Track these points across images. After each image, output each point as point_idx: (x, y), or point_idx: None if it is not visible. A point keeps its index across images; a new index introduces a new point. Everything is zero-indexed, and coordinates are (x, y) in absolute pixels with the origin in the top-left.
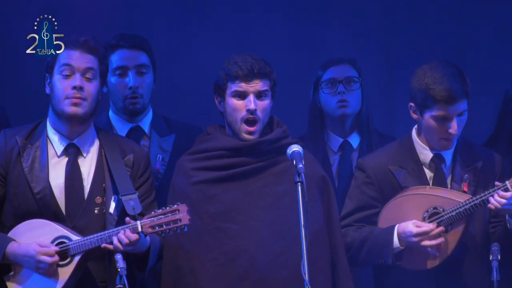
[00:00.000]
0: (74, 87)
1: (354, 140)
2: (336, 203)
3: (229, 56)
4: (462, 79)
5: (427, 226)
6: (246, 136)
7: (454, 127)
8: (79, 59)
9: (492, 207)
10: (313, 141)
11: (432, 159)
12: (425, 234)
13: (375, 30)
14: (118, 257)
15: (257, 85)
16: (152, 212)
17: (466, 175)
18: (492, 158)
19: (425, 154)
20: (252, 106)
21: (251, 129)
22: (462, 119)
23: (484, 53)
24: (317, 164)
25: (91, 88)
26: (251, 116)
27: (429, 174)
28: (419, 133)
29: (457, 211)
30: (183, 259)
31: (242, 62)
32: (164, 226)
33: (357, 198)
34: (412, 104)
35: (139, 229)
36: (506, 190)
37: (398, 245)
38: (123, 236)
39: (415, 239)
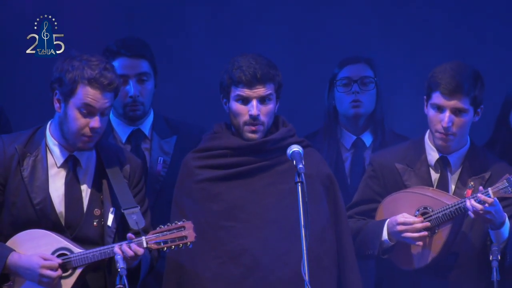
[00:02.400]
0: (93, 128)
1: (367, 138)
2: (342, 200)
3: (233, 57)
4: (470, 78)
5: (412, 218)
6: (250, 135)
7: (445, 120)
8: (101, 100)
9: (471, 214)
10: (327, 137)
11: (437, 161)
12: (408, 225)
13: (376, 30)
14: (118, 257)
15: (260, 90)
16: (158, 228)
17: (472, 183)
18: (504, 171)
19: (432, 155)
20: (254, 112)
21: (254, 128)
22: (461, 119)
23: (486, 54)
24: (324, 163)
25: (105, 122)
26: (253, 121)
27: (434, 176)
28: (429, 134)
29: (443, 212)
30: (186, 257)
31: (246, 67)
32: (169, 242)
33: (361, 191)
34: (424, 96)
35: (144, 244)
36: (488, 196)
37: (387, 238)
38: (127, 249)
39: (398, 228)
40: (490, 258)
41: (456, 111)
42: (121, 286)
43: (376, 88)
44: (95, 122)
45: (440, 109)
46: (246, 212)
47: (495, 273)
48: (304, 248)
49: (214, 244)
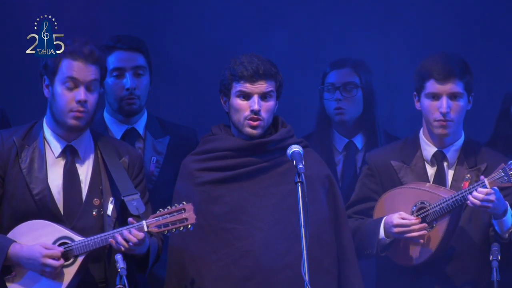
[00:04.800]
0: (79, 101)
1: (359, 141)
2: (342, 201)
3: (235, 57)
4: (460, 63)
5: (409, 220)
6: (250, 131)
7: (444, 105)
8: (84, 71)
9: (470, 204)
10: (319, 140)
11: (433, 155)
12: (405, 227)
13: (376, 29)
14: (118, 257)
15: (262, 86)
16: (158, 212)
17: (468, 175)
18: (499, 162)
19: (428, 150)
20: (256, 107)
21: (255, 123)
22: (457, 103)
23: (487, 52)
24: (323, 164)
25: (93, 99)
26: (254, 116)
27: (430, 171)
28: (424, 130)
29: (440, 206)
30: (188, 260)
31: (248, 63)
32: (170, 225)
33: (358, 190)
34: (414, 92)
35: (145, 228)
36: (484, 187)
37: (384, 236)
38: (129, 234)
39: (395, 230)
40: (490, 258)
41: (452, 96)
42: (121, 286)
43: (362, 92)
44: (81, 94)
45: (435, 97)
46: (247, 214)
47: (495, 273)
48: (304, 248)
49: (216, 247)
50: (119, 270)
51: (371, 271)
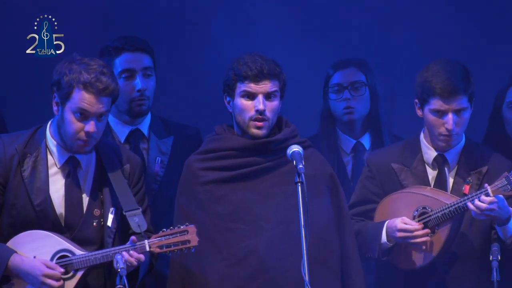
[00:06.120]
0: (88, 132)
1: (367, 141)
2: (346, 200)
3: (238, 57)
4: (463, 76)
5: (412, 226)
6: (255, 131)
7: (449, 122)
8: (96, 105)
9: (473, 207)
10: (325, 141)
11: (434, 159)
12: (409, 232)
13: (378, 30)
14: (118, 257)
15: (266, 85)
16: (160, 232)
17: (469, 178)
18: (501, 164)
19: (429, 154)
20: (261, 107)
21: (260, 124)
22: (462, 117)
23: (487, 53)
24: (326, 163)
25: (101, 127)
26: (259, 116)
27: (431, 174)
28: (425, 133)
29: (443, 212)
30: (191, 259)
31: (252, 63)
32: (172, 246)
33: (359, 192)
34: (416, 100)
35: (147, 248)
36: (487, 195)
37: (386, 240)
38: (130, 258)
39: (398, 234)
40: (490, 258)
41: (457, 111)
42: (121, 286)
43: (369, 91)
44: (90, 126)
45: (440, 113)
46: (252, 214)
47: (495, 273)
48: (304, 248)
49: (221, 246)
50: (119, 270)
51: (371, 272)
